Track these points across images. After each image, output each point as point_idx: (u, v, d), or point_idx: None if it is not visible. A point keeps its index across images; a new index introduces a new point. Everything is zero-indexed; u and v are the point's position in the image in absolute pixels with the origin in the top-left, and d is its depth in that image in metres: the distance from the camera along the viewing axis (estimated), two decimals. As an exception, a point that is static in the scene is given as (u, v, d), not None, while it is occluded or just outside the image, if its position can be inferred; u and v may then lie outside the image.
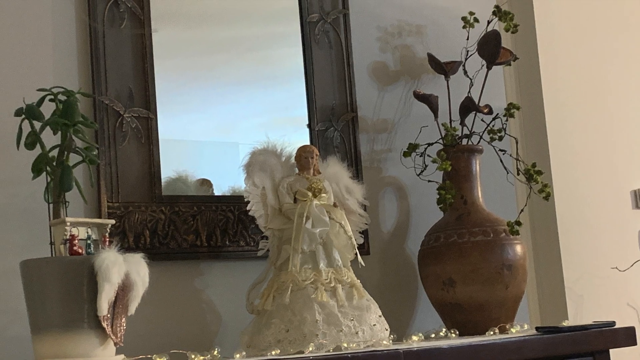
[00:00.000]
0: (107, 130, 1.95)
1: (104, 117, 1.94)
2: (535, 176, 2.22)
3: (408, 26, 2.52)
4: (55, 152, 1.63)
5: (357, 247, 1.97)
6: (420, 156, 2.30)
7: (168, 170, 2.02)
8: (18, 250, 1.71)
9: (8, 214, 1.82)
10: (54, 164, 1.62)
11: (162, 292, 1.94)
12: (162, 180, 2.01)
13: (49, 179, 1.63)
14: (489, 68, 2.33)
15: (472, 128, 2.30)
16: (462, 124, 2.30)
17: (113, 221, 1.65)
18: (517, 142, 2.33)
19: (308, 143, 2.21)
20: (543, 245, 3.14)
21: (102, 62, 1.96)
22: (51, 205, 1.61)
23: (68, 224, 1.55)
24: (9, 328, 1.77)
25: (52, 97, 1.65)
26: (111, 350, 1.54)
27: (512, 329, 2.11)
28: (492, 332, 2.07)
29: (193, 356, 1.65)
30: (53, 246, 1.58)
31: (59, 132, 1.63)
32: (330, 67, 2.31)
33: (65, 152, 1.62)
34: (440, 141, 2.28)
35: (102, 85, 1.95)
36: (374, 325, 1.86)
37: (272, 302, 1.85)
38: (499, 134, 2.29)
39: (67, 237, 1.54)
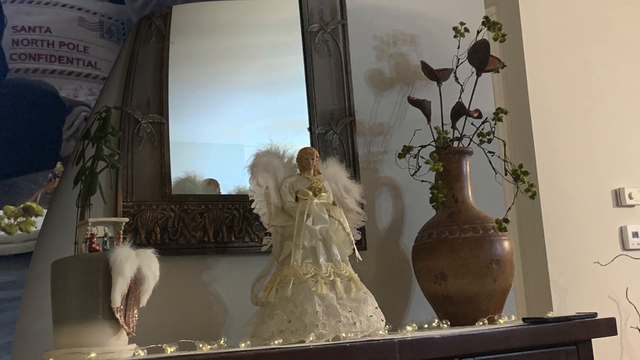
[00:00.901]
0: (127, 137, 1.95)
1: (126, 125, 1.95)
2: (522, 176, 2.22)
3: (403, 36, 2.52)
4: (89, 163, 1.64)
5: (355, 243, 1.97)
6: (414, 158, 2.30)
7: (178, 171, 2.03)
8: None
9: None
10: (87, 173, 1.63)
11: (171, 285, 1.94)
12: (172, 181, 2.01)
13: (82, 187, 1.63)
14: (478, 75, 2.33)
15: (462, 131, 2.30)
16: (454, 127, 2.30)
17: (127, 219, 1.66)
18: (505, 145, 2.32)
19: (309, 145, 2.22)
20: (529, 241, 3.15)
21: (132, 76, 1.97)
22: (79, 210, 1.62)
23: (90, 224, 1.56)
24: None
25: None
26: (124, 339, 1.54)
27: (500, 320, 2.11)
28: (481, 323, 2.08)
29: (201, 345, 1.65)
30: (76, 245, 1.59)
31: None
32: (329, 74, 2.31)
33: (96, 161, 1.63)
34: (433, 143, 2.28)
35: (128, 97, 1.96)
36: (370, 316, 1.86)
37: (275, 295, 1.85)
38: (488, 137, 2.29)
39: (88, 236, 1.55)
